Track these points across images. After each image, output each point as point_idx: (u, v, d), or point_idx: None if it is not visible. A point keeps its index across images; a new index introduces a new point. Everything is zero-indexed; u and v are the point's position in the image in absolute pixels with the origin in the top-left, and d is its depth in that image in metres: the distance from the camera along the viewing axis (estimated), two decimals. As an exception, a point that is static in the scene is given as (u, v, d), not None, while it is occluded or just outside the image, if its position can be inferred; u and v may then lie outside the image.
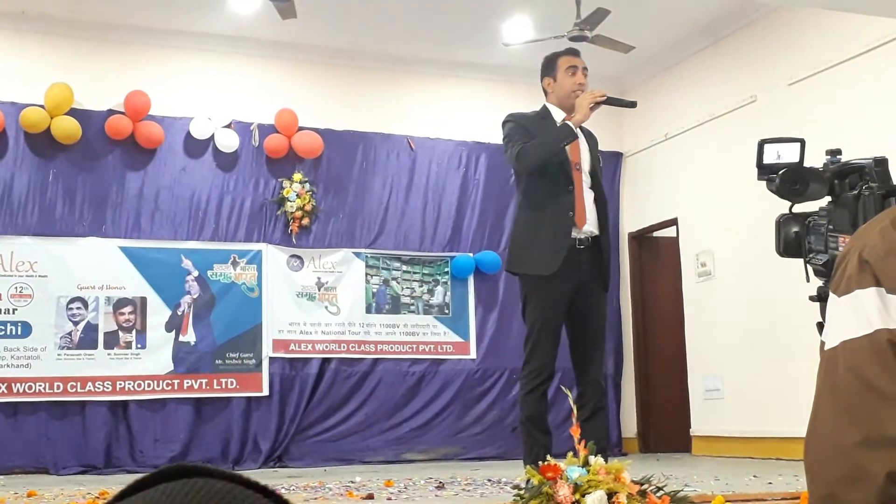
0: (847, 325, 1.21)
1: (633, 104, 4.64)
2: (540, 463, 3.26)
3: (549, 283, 4.35)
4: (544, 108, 4.63)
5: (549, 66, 4.63)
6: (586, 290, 4.41)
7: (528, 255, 4.46)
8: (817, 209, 3.66)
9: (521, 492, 3.23)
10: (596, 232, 4.42)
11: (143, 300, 7.94)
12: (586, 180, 4.47)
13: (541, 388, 4.41)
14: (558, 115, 4.54)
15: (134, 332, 7.89)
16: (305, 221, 8.45)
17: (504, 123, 4.59)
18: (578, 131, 4.44)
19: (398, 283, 8.76)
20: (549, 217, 4.40)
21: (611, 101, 4.47)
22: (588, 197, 4.44)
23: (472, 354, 8.85)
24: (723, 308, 8.25)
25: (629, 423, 9.29)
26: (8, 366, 7.47)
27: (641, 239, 9.56)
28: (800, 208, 3.74)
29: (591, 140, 4.62)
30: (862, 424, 1.17)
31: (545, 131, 4.44)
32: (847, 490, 1.17)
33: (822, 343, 1.27)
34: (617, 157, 9.57)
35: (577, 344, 4.51)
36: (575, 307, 4.42)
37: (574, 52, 4.67)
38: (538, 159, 4.35)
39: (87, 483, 6.56)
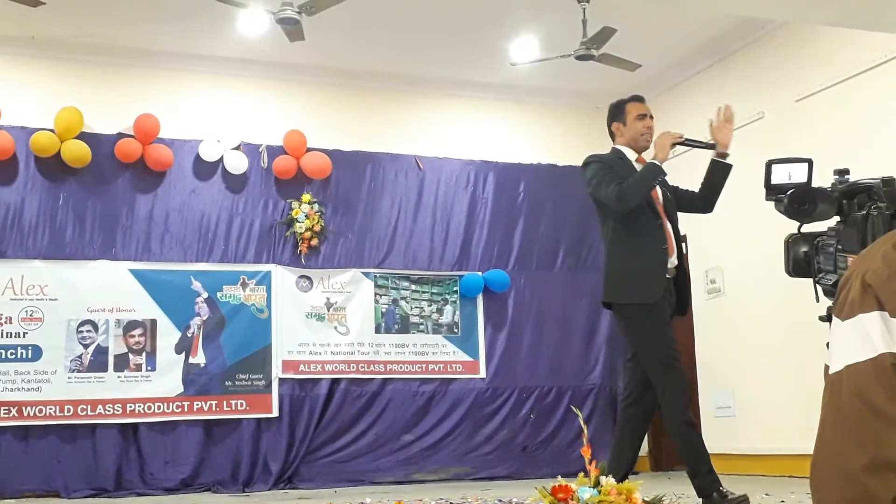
0: (851, 350, 1.21)
1: (712, 146, 4.90)
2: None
3: (657, 309, 4.68)
4: (617, 150, 5.00)
5: (617, 112, 5.07)
6: (671, 316, 4.82)
7: (633, 285, 4.76)
8: (826, 229, 3.65)
9: (532, 513, 3.22)
10: (676, 262, 4.80)
11: (153, 322, 7.96)
12: (663, 211, 4.84)
13: (688, 406, 4.76)
14: (631, 155, 4.95)
15: (144, 354, 7.90)
16: (314, 242, 8.46)
17: (588, 164, 4.92)
18: None
19: (407, 302, 8.76)
20: (646, 249, 4.73)
21: (689, 143, 4.85)
22: (669, 229, 4.81)
23: (482, 374, 8.83)
24: (733, 325, 8.22)
25: (640, 442, 9.24)
26: (18, 389, 7.48)
27: (650, 256, 9.54)
28: (809, 228, 3.73)
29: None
30: (867, 448, 1.16)
31: (626, 171, 4.80)
32: (854, 514, 1.17)
33: (827, 367, 1.27)
34: (625, 174, 9.56)
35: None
36: None
37: (640, 99, 5.10)
38: (638, 198, 4.69)
39: (98, 506, 6.56)
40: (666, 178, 4.87)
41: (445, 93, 9.20)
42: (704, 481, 4.54)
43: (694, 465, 4.58)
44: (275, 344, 8.22)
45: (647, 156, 4.94)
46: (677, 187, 5.04)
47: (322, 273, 8.50)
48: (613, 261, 4.87)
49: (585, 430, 3.47)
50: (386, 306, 8.68)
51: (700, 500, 4.58)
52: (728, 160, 4.93)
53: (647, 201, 4.73)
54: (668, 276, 4.71)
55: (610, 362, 9.16)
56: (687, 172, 5.79)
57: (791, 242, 3.72)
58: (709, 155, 5.00)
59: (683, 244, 5.08)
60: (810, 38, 7.50)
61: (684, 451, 4.64)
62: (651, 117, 5.02)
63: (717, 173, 4.92)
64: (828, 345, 1.32)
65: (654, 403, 4.84)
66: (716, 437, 8.39)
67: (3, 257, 7.65)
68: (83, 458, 7.57)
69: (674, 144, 4.76)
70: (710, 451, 8.48)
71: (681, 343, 8.85)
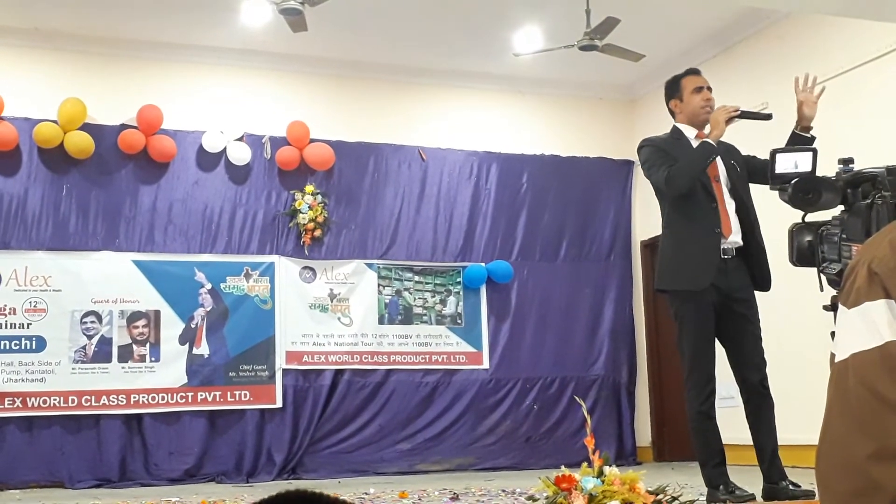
0: (857, 338, 1.21)
1: (769, 117, 4.65)
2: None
3: (698, 295, 4.49)
4: (675, 129, 4.77)
5: (673, 88, 4.81)
6: (737, 297, 4.54)
7: (677, 271, 4.59)
8: (830, 218, 3.65)
9: (536, 502, 3.23)
10: (740, 242, 4.54)
11: (157, 313, 7.97)
12: (726, 191, 4.60)
13: (711, 397, 4.58)
14: (690, 132, 4.70)
15: (148, 345, 7.91)
16: (318, 233, 8.47)
17: (641, 149, 4.74)
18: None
19: (410, 293, 8.76)
20: (696, 234, 4.54)
21: (745, 115, 4.58)
22: (730, 207, 4.57)
23: (485, 364, 8.84)
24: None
25: (643, 432, 9.25)
26: (23, 380, 7.50)
27: (654, 247, 9.52)
28: (813, 217, 3.73)
29: (729, 150, 4.70)
30: (873, 437, 1.16)
31: (682, 151, 4.58)
32: (859, 503, 1.16)
33: (833, 355, 1.27)
34: (628, 165, 9.56)
35: (734, 352, 4.63)
36: (727, 316, 4.55)
37: (696, 72, 4.86)
38: (687, 181, 4.49)
39: (103, 497, 6.58)
40: (738, 149, 4.67)
41: (449, 84, 9.18)
42: (713, 473, 4.54)
43: (703, 455, 4.56)
44: (278, 335, 8.23)
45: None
46: (753, 157, 4.74)
47: (325, 264, 8.51)
48: (664, 247, 4.73)
49: (589, 421, 3.48)
50: (389, 297, 8.68)
51: (707, 491, 4.57)
52: (812, 133, 4.57)
53: (701, 182, 4.53)
54: (726, 256, 4.50)
55: (613, 353, 9.17)
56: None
57: (795, 232, 3.72)
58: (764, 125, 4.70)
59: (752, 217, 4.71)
60: (814, 28, 7.48)
61: (696, 441, 4.62)
62: (709, 89, 4.77)
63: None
64: (832, 334, 1.32)
65: (757, 384, 4.63)
66: (719, 428, 8.40)
67: (6, 248, 7.66)
68: (88, 448, 7.59)
69: (729, 120, 4.52)
70: (713, 442, 8.48)
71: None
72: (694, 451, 4.65)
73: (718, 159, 4.60)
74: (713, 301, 4.51)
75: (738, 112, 4.54)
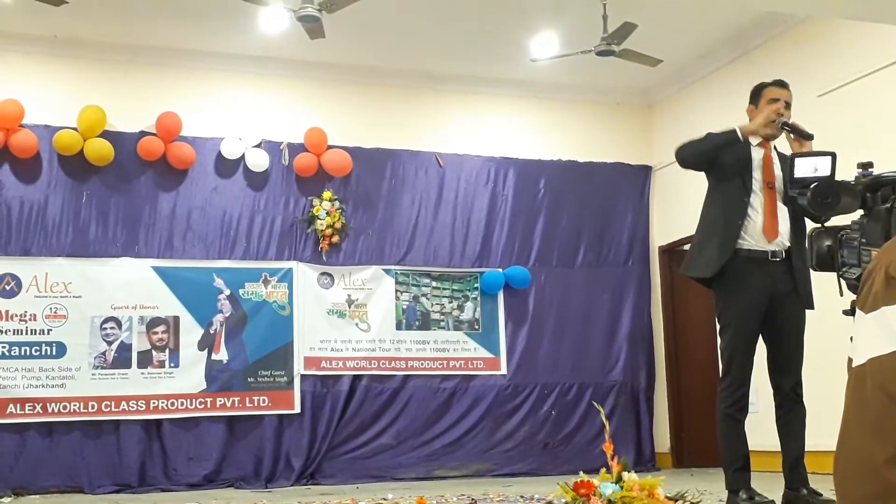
0: (874, 342, 1.20)
1: (811, 137, 4.57)
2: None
3: (743, 294, 4.48)
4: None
5: (755, 95, 4.80)
6: (783, 302, 4.54)
7: (695, 258, 4.65)
8: (850, 222, 3.63)
9: (554, 509, 3.23)
10: (788, 244, 4.53)
11: (176, 319, 8.01)
12: (780, 197, 4.57)
13: (741, 401, 4.61)
14: (754, 139, 4.68)
15: (167, 351, 7.95)
16: (335, 239, 8.49)
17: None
18: (775, 155, 4.61)
19: (428, 299, 8.77)
20: (719, 223, 4.55)
21: (787, 126, 4.55)
22: (781, 212, 4.54)
23: (503, 370, 8.83)
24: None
25: (662, 438, 9.22)
26: (43, 386, 7.54)
27: (672, 252, 9.51)
28: (833, 221, 3.71)
29: (787, 161, 4.59)
30: (891, 441, 1.16)
31: (737, 152, 4.59)
32: (877, 507, 1.16)
33: (850, 360, 1.26)
34: (646, 170, 9.55)
35: (773, 356, 4.68)
36: (771, 319, 4.55)
37: (781, 84, 4.79)
38: (690, 156, 4.64)
39: (122, 502, 6.62)
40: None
41: (466, 89, 9.19)
42: (734, 477, 4.54)
43: (726, 458, 4.56)
44: (296, 340, 8.25)
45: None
46: None
47: (343, 270, 8.53)
48: (695, 233, 4.75)
49: (607, 427, 3.48)
50: (407, 303, 8.69)
51: (727, 495, 4.57)
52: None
53: (742, 177, 4.52)
54: (772, 258, 4.47)
55: (631, 358, 9.14)
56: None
57: (814, 236, 3.70)
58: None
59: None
60: (833, 32, 7.45)
61: (721, 442, 4.62)
62: (787, 105, 4.68)
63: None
64: (852, 338, 1.31)
65: (789, 391, 4.68)
66: (738, 434, 8.35)
67: (27, 255, 7.72)
68: (107, 453, 7.63)
69: (773, 121, 4.52)
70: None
71: (702, 339, 8.87)
72: (719, 452, 4.64)
73: (777, 168, 4.60)
74: (759, 304, 4.48)
75: (786, 119, 4.53)
